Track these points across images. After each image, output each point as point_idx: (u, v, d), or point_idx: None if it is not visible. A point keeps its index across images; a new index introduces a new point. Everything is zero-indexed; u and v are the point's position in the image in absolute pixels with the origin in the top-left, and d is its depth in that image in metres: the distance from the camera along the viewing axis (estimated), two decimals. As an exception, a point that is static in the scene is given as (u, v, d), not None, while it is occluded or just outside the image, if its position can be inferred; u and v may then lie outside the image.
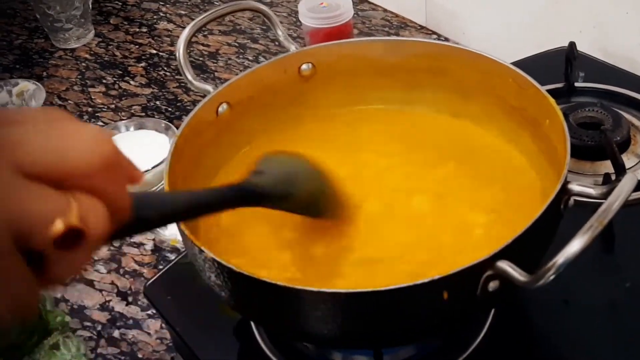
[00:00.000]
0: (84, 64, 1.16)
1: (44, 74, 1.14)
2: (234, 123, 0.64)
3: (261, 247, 0.55)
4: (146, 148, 0.88)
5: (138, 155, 0.85)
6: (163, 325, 0.71)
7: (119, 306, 0.75)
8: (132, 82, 1.09)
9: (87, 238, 0.28)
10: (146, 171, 0.83)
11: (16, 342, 0.62)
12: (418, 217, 0.57)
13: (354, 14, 0.97)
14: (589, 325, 0.57)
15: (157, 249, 0.80)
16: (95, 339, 0.71)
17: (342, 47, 0.68)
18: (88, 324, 0.73)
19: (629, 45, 0.87)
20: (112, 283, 0.77)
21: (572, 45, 0.82)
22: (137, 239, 0.82)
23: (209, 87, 0.63)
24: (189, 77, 0.64)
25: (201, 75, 1.06)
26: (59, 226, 0.27)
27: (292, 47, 0.68)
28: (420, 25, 1.12)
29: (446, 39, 1.08)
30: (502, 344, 0.57)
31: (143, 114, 1.01)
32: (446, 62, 0.65)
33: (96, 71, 1.13)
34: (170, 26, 1.23)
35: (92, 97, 1.07)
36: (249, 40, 1.15)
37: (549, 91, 0.57)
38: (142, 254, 0.80)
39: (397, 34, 1.10)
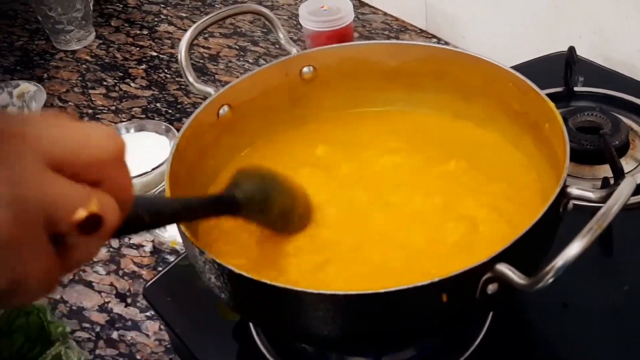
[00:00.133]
0: (84, 66, 1.16)
1: (45, 75, 1.14)
2: (235, 125, 0.64)
3: (261, 249, 0.55)
4: (146, 150, 0.88)
5: (138, 157, 0.86)
6: (162, 326, 0.71)
7: (117, 307, 0.75)
8: (132, 84, 1.09)
9: (104, 225, 0.32)
10: (146, 173, 0.83)
11: (20, 352, 0.63)
12: (418, 216, 0.57)
13: (355, 17, 0.97)
14: (587, 328, 0.58)
15: (156, 250, 0.81)
16: (94, 340, 0.71)
17: (343, 50, 0.68)
18: (87, 325, 0.73)
19: (628, 50, 0.87)
20: (111, 284, 0.78)
21: (571, 49, 0.82)
22: (136, 240, 0.82)
23: (210, 89, 0.63)
24: (191, 79, 0.64)
25: (202, 78, 1.06)
26: (82, 213, 0.31)
27: (294, 50, 0.68)
28: (420, 29, 1.13)
29: (446, 43, 1.08)
30: (501, 347, 0.57)
31: (143, 115, 1.02)
32: (447, 66, 0.65)
33: (97, 73, 1.14)
34: (171, 28, 1.23)
35: (93, 99, 1.07)
36: (249, 43, 1.16)
37: (548, 95, 0.57)
38: (141, 256, 0.80)
39: (397, 38, 1.11)
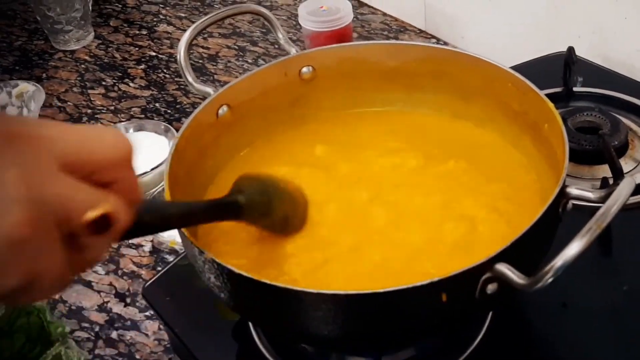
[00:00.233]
0: (83, 66, 1.16)
1: (44, 75, 1.14)
2: (234, 125, 0.64)
3: (261, 249, 0.55)
4: (145, 150, 0.88)
5: (137, 157, 0.86)
6: (161, 326, 0.71)
7: (117, 307, 0.75)
8: (131, 84, 1.09)
9: (114, 226, 0.33)
10: (145, 173, 0.83)
11: (21, 352, 0.63)
12: (418, 215, 0.57)
13: (354, 17, 0.97)
14: (587, 328, 0.58)
15: (156, 250, 0.81)
16: (93, 340, 0.71)
17: (342, 50, 0.68)
18: (86, 325, 0.73)
19: (627, 51, 0.87)
20: (111, 284, 0.78)
21: (570, 50, 0.82)
22: (135, 240, 0.82)
23: (209, 89, 0.63)
24: (190, 79, 0.64)
25: (201, 78, 1.06)
26: (93, 213, 0.32)
27: (293, 50, 0.68)
28: (419, 29, 1.13)
29: (445, 43, 1.08)
30: (500, 347, 0.57)
31: (142, 115, 1.02)
32: (446, 66, 0.65)
33: (96, 73, 1.13)
34: (170, 29, 1.23)
35: (92, 99, 1.07)
36: (248, 43, 1.16)
37: (547, 95, 0.57)
38: (140, 256, 0.80)
39: (396, 38, 1.11)
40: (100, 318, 0.74)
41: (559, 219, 0.51)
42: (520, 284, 0.42)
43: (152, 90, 1.07)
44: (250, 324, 0.60)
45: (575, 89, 0.82)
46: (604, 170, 0.70)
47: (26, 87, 1.00)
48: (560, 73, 0.82)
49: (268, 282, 0.44)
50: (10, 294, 0.31)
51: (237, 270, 0.45)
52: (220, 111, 0.63)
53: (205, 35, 1.18)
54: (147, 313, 0.73)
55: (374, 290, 0.43)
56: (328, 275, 0.52)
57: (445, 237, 0.54)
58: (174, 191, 0.52)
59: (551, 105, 0.56)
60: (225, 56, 1.13)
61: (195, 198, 0.58)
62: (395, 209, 0.57)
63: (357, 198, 0.59)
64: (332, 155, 0.64)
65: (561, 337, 0.57)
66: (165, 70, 1.12)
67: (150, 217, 0.40)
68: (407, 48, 0.67)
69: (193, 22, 0.65)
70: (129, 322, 0.73)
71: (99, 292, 0.77)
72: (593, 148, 0.71)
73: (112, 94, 1.08)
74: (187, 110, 1.02)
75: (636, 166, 0.72)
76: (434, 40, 1.10)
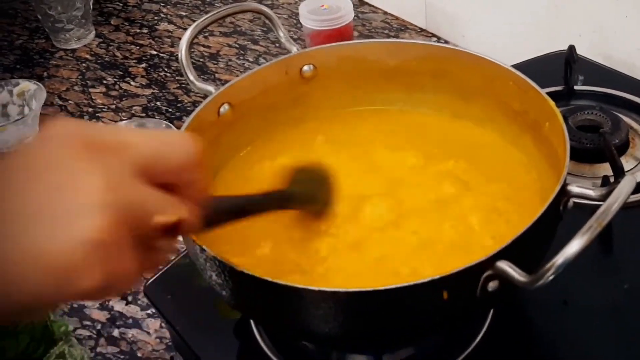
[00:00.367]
0: (84, 65, 1.16)
1: (45, 74, 1.15)
2: (235, 123, 0.64)
3: (262, 247, 0.55)
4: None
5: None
6: (163, 324, 0.71)
7: (118, 305, 0.75)
8: (132, 83, 1.09)
9: (184, 228, 0.36)
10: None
11: (26, 352, 0.63)
12: (417, 215, 0.57)
13: (355, 16, 0.97)
14: (587, 325, 0.58)
15: (157, 249, 0.80)
16: (95, 338, 0.72)
17: (343, 49, 0.68)
18: (87, 323, 0.73)
19: (628, 49, 0.87)
20: (112, 282, 0.78)
21: (571, 48, 0.82)
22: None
23: (210, 87, 0.63)
24: (191, 77, 0.64)
25: (202, 77, 1.06)
26: (165, 218, 0.35)
27: (294, 49, 0.68)
28: (420, 28, 1.13)
29: (446, 42, 1.08)
30: (501, 344, 0.57)
31: (143, 114, 1.02)
32: (447, 65, 0.65)
33: (97, 72, 1.14)
34: (171, 27, 1.23)
35: (93, 98, 1.07)
36: (249, 42, 1.16)
37: (548, 94, 0.57)
38: (142, 254, 0.80)
39: (397, 37, 1.11)
40: (102, 316, 0.74)
41: (560, 217, 0.51)
42: (521, 281, 0.43)
43: (153, 89, 1.07)
44: (251, 322, 0.60)
45: (576, 87, 0.82)
46: (605, 169, 0.70)
47: (27, 85, 1.01)
48: (561, 72, 0.82)
49: (269, 279, 0.44)
50: (90, 294, 0.32)
51: (238, 268, 0.45)
52: (221, 110, 0.63)
53: (206, 34, 1.18)
54: (148, 311, 0.73)
55: (375, 288, 0.43)
56: (328, 272, 0.52)
57: (444, 236, 0.55)
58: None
59: (552, 103, 0.56)
60: (226, 55, 1.13)
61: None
62: (395, 208, 0.58)
63: (357, 196, 0.59)
64: (332, 154, 0.64)
65: (562, 334, 0.57)
66: (166, 69, 1.12)
67: (216, 213, 0.42)
68: (407, 47, 0.67)
69: (194, 21, 0.65)
70: (130, 320, 0.73)
71: (100, 290, 0.77)
72: (594, 146, 0.72)
73: (113, 93, 1.08)
74: (188, 108, 1.02)
75: (637, 164, 0.72)
76: (435, 39, 1.10)
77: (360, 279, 0.52)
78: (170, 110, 1.02)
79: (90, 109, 1.04)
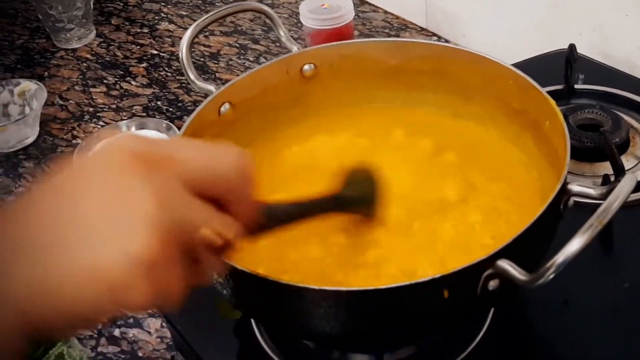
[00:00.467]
0: (85, 64, 1.16)
1: (46, 73, 1.15)
2: (236, 123, 0.64)
3: (262, 246, 0.55)
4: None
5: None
6: (163, 324, 0.71)
7: (119, 305, 0.75)
8: (133, 83, 1.10)
9: (230, 243, 0.36)
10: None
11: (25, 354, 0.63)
12: (417, 214, 0.57)
13: (355, 15, 0.97)
14: (588, 324, 0.58)
15: (158, 248, 0.80)
16: (96, 337, 0.72)
17: (344, 48, 0.68)
18: (89, 322, 0.73)
19: (628, 48, 0.87)
20: (113, 282, 0.78)
21: (572, 47, 0.82)
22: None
23: (211, 87, 0.63)
24: (192, 77, 0.64)
25: (202, 76, 1.06)
26: (213, 235, 0.35)
27: (295, 48, 0.68)
28: (420, 27, 1.13)
29: (446, 41, 1.08)
30: (502, 343, 0.57)
31: (144, 114, 1.02)
32: (447, 64, 0.65)
33: (97, 71, 1.14)
34: (172, 27, 1.23)
35: (94, 97, 1.07)
36: (250, 41, 1.16)
37: (549, 93, 0.57)
38: (143, 253, 0.80)
39: (397, 36, 1.11)
40: (103, 315, 0.74)
41: (560, 215, 0.51)
42: (521, 280, 0.43)
43: (154, 89, 1.07)
44: (252, 322, 0.60)
45: (576, 86, 0.82)
46: (605, 168, 0.70)
47: (28, 85, 1.01)
48: (562, 71, 0.82)
49: (270, 278, 0.44)
50: (141, 307, 0.33)
51: (239, 267, 0.45)
52: (222, 109, 0.63)
53: (207, 34, 1.18)
54: (149, 311, 0.73)
55: (376, 287, 0.43)
56: (328, 271, 0.52)
57: (443, 235, 0.55)
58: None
59: (552, 102, 0.56)
60: (226, 54, 1.13)
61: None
62: (394, 208, 0.57)
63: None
64: (331, 153, 0.64)
65: (562, 333, 0.57)
66: (166, 69, 1.12)
67: (270, 220, 0.42)
68: (408, 46, 0.67)
69: (194, 20, 0.65)
70: (131, 320, 0.73)
71: (101, 289, 0.77)
72: (594, 145, 0.72)
73: (114, 92, 1.08)
74: (189, 108, 1.02)
75: (637, 163, 0.72)
76: (435, 38, 1.10)
77: (360, 278, 0.52)
78: (171, 109, 1.02)
79: (91, 109, 1.04)
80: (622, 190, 0.43)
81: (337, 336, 0.49)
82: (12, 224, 0.34)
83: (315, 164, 0.64)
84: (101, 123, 1.01)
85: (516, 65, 0.61)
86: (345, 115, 0.69)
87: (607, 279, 0.62)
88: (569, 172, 0.50)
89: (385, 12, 1.18)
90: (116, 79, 1.11)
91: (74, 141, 0.97)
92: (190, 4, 1.29)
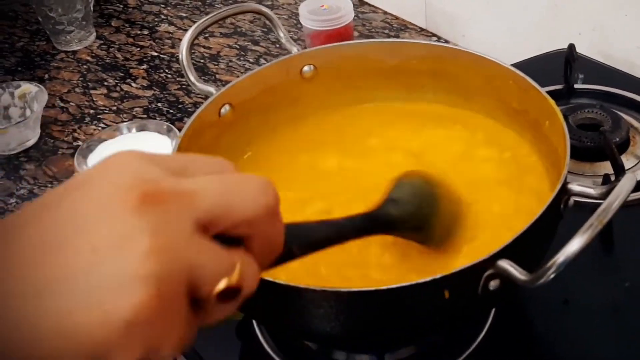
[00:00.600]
0: (85, 66, 1.16)
1: (46, 76, 1.15)
2: (236, 124, 0.64)
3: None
4: (148, 150, 0.88)
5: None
6: (165, 325, 0.71)
7: (121, 307, 0.75)
8: (133, 84, 1.10)
9: (242, 293, 0.31)
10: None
11: None
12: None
13: (355, 16, 0.97)
14: (588, 324, 0.58)
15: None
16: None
17: (343, 49, 0.68)
18: (90, 324, 0.73)
19: (627, 48, 0.87)
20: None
21: (571, 47, 0.82)
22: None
23: (211, 88, 0.63)
24: (192, 79, 0.64)
25: (202, 77, 1.06)
26: (224, 284, 0.30)
27: (294, 49, 0.68)
28: (420, 28, 1.13)
29: (446, 41, 1.08)
30: (503, 343, 0.57)
31: (145, 115, 1.02)
32: (447, 64, 0.65)
33: (98, 73, 1.14)
34: (172, 28, 1.23)
35: (94, 99, 1.07)
36: (249, 43, 1.16)
37: (548, 93, 0.58)
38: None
39: (397, 37, 1.11)
40: (104, 317, 0.74)
41: (561, 215, 0.51)
42: (522, 280, 0.43)
43: (154, 90, 1.07)
44: (254, 323, 0.60)
45: (576, 86, 0.82)
46: (606, 167, 0.70)
47: (28, 88, 1.01)
48: (561, 70, 0.82)
49: (270, 279, 0.44)
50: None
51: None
52: (222, 110, 0.63)
53: (207, 35, 1.18)
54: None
55: (377, 288, 0.43)
56: (327, 273, 0.52)
57: None
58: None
59: (552, 102, 0.56)
60: (226, 55, 1.13)
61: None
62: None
63: (358, 197, 0.59)
64: (332, 153, 0.65)
65: (563, 333, 0.58)
66: (167, 70, 1.12)
67: (298, 246, 0.37)
68: (407, 46, 0.68)
69: (194, 22, 0.65)
70: (132, 321, 0.73)
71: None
72: (594, 145, 0.72)
73: (114, 94, 1.08)
74: (189, 109, 1.02)
75: (637, 163, 0.72)
76: (435, 39, 1.10)
77: (359, 279, 0.52)
78: (171, 111, 1.02)
79: (91, 111, 1.05)
80: (622, 189, 0.43)
81: (338, 337, 0.49)
82: None
83: (316, 165, 0.64)
84: (102, 125, 1.01)
85: (516, 65, 0.61)
86: (346, 115, 0.70)
87: (608, 279, 0.62)
88: (569, 172, 0.50)
89: (385, 12, 1.18)
90: (116, 81, 1.11)
91: (74, 143, 0.97)
92: (189, 6, 1.30)
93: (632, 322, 0.58)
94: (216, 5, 1.28)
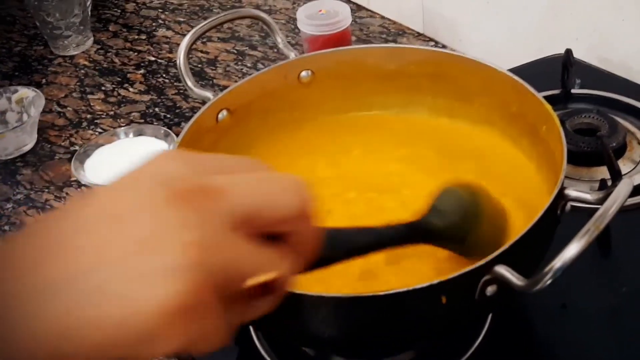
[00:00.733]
0: (83, 71, 1.16)
1: (43, 81, 1.15)
2: (234, 129, 0.64)
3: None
4: (145, 155, 0.88)
5: (137, 162, 0.86)
6: (162, 330, 0.71)
7: (118, 312, 0.75)
8: (131, 89, 1.10)
9: (279, 288, 0.32)
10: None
11: None
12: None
13: (352, 21, 0.97)
14: (586, 329, 0.58)
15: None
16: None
17: (341, 54, 0.68)
18: (87, 329, 0.73)
19: (624, 53, 0.87)
20: (112, 289, 0.77)
21: (568, 52, 0.82)
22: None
23: (209, 94, 0.63)
24: (190, 84, 0.64)
25: (200, 82, 1.06)
26: (260, 279, 0.31)
27: (292, 54, 0.68)
28: (417, 32, 1.13)
29: (443, 46, 1.08)
30: (500, 349, 0.57)
31: (142, 120, 1.02)
32: (445, 69, 0.65)
33: (95, 78, 1.14)
34: (169, 33, 1.23)
35: (91, 104, 1.07)
36: (247, 47, 1.16)
37: (545, 98, 0.58)
38: (141, 260, 0.80)
39: (394, 41, 1.11)
40: (101, 322, 0.74)
41: (558, 220, 0.51)
42: (519, 285, 0.43)
43: (152, 95, 1.07)
44: (250, 328, 0.60)
45: (573, 91, 0.83)
46: (602, 172, 0.70)
47: (26, 92, 1.01)
48: (558, 75, 0.82)
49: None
50: (166, 356, 0.29)
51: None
52: (219, 115, 0.63)
53: (204, 40, 1.18)
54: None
55: (374, 293, 0.43)
56: (328, 276, 0.52)
57: None
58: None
59: (549, 107, 0.56)
60: (224, 60, 1.13)
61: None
62: (394, 212, 0.58)
63: (357, 201, 0.59)
64: (331, 159, 0.65)
65: (561, 338, 0.58)
66: (164, 75, 1.12)
67: (338, 251, 0.37)
68: (405, 51, 0.68)
69: (192, 27, 0.65)
70: (129, 327, 0.73)
71: (99, 296, 0.77)
72: (591, 150, 0.72)
73: (112, 99, 1.08)
74: (187, 114, 1.02)
75: (634, 167, 0.72)
76: (433, 43, 1.10)
77: (359, 285, 0.52)
78: (168, 116, 1.02)
79: (88, 116, 1.04)
80: (619, 194, 0.43)
81: (336, 342, 0.49)
82: (29, 247, 0.29)
83: (315, 169, 0.64)
84: (99, 130, 1.01)
85: (513, 70, 0.61)
86: (344, 120, 0.70)
87: (605, 283, 0.62)
88: (566, 177, 0.50)
89: (383, 17, 1.18)
90: (114, 86, 1.11)
91: (71, 148, 0.97)
92: (187, 11, 1.30)
93: (630, 327, 0.58)
94: (214, 10, 1.28)
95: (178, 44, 0.65)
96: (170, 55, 1.16)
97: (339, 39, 0.92)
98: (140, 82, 1.11)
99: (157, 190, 0.29)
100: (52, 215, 0.31)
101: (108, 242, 0.28)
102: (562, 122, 0.56)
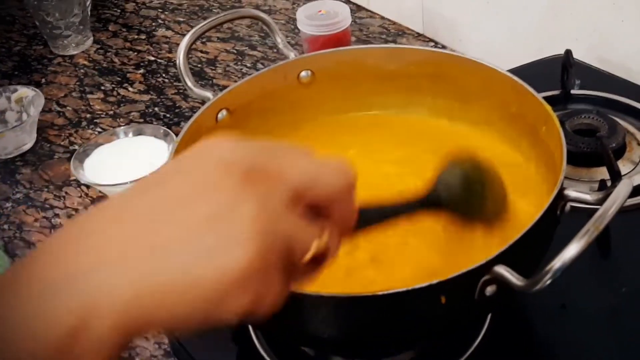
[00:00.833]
0: (82, 71, 1.16)
1: (43, 80, 1.15)
2: (233, 129, 0.64)
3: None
4: (145, 154, 0.88)
5: (137, 161, 0.86)
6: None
7: (117, 311, 0.75)
8: (130, 89, 1.10)
9: (328, 258, 0.37)
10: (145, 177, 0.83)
11: None
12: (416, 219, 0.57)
13: (352, 21, 0.97)
14: (586, 329, 0.58)
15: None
16: (94, 344, 0.71)
17: (341, 54, 0.68)
18: (87, 329, 0.73)
19: (624, 53, 0.87)
20: (111, 288, 0.77)
21: (568, 52, 0.82)
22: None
23: (208, 93, 0.63)
24: (189, 84, 0.64)
25: (200, 82, 1.06)
26: (313, 249, 0.35)
27: (292, 54, 0.68)
28: (417, 33, 1.13)
29: (443, 47, 1.08)
30: (499, 349, 0.57)
31: (142, 120, 1.02)
32: (445, 70, 0.65)
33: (95, 78, 1.14)
34: (169, 33, 1.23)
35: (91, 104, 1.07)
36: (247, 47, 1.16)
37: (545, 98, 0.58)
38: (140, 260, 0.80)
39: (394, 42, 1.11)
40: (101, 322, 0.74)
41: (557, 221, 0.51)
42: (518, 285, 0.43)
43: (151, 95, 1.07)
44: (250, 327, 0.60)
45: (572, 91, 0.83)
46: (602, 173, 0.70)
47: (25, 92, 1.01)
48: (558, 76, 0.82)
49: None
50: (236, 318, 0.32)
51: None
52: (219, 115, 0.63)
53: (204, 40, 1.18)
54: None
55: (374, 293, 0.43)
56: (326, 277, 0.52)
57: (440, 239, 0.55)
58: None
59: (549, 107, 0.57)
60: (224, 60, 1.13)
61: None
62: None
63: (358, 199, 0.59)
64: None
65: (560, 338, 0.58)
66: (164, 75, 1.12)
67: (360, 224, 0.40)
68: (405, 52, 0.68)
69: (192, 27, 0.65)
70: (129, 326, 0.73)
71: (99, 296, 0.77)
72: (591, 150, 0.72)
73: (111, 99, 1.08)
74: (187, 114, 1.02)
75: (634, 168, 0.72)
76: (432, 44, 1.10)
77: (358, 285, 0.52)
78: (168, 115, 1.02)
79: (88, 115, 1.04)
80: (619, 195, 0.43)
81: (335, 342, 0.49)
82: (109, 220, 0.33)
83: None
84: (98, 129, 1.01)
85: (513, 70, 0.62)
86: (344, 121, 0.70)
87: (605, 284, 0.62)
88: (565, 177, 0.50)
89: (382, 18, 1.18)
90: (113, 86, 1.11)
91: (71, 147, 0.97)
92: (187, 11, 1.30)
93: (630, 327, 0.58)
94: (214, 10, 1.28)
95: (178, 44, 0.65)
96: (169, 55, 1.16)
97: (338, 40, 0.92)
98: (140, 82, 1.11)
99: (227, 170, 0.33)
100: (103, 206, 0.34)
101: (184, 219, 0.32)
102: (562, 123, 0.56)
